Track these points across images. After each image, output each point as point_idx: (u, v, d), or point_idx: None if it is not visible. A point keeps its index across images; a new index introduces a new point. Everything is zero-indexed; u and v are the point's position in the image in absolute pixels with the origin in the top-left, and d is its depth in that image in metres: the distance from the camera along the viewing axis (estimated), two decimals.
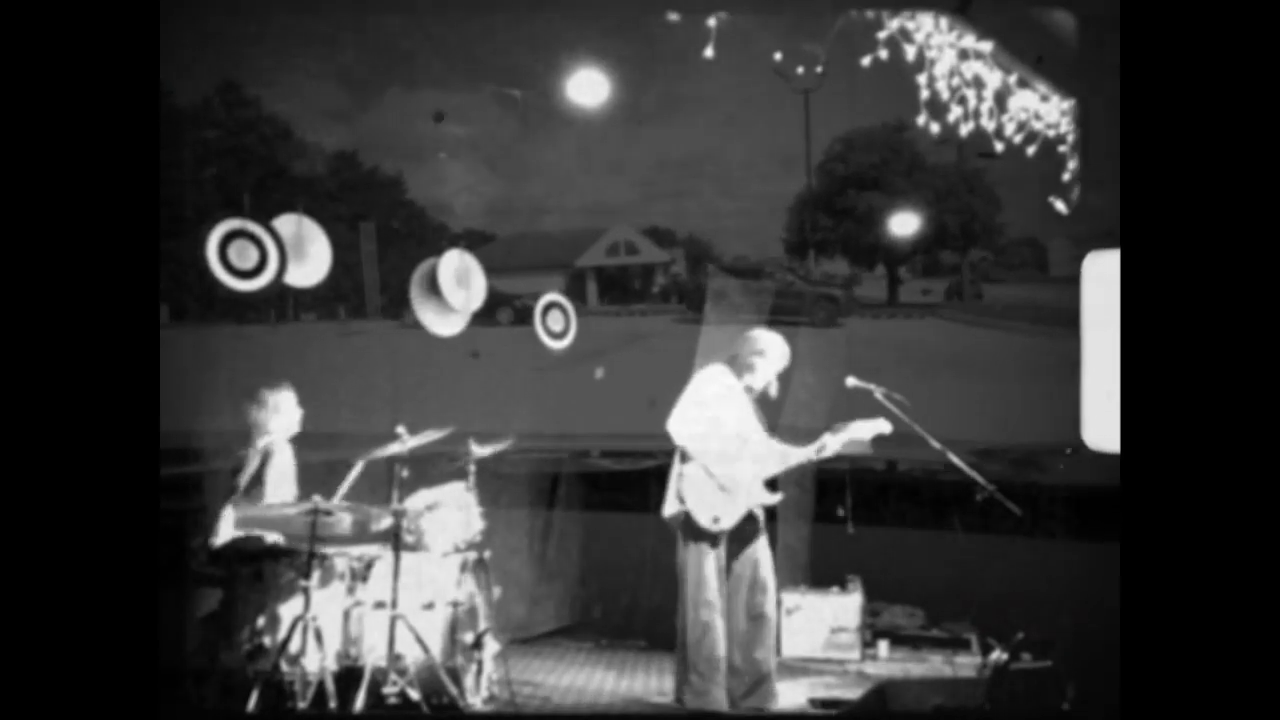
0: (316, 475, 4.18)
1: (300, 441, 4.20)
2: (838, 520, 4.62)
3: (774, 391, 4.15)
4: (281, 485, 4.07)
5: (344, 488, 4.06)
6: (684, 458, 3.96)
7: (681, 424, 3.94)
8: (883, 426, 3.96)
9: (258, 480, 4.03)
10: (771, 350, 4.11)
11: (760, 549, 4.08)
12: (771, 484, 4.06)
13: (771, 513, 4.18)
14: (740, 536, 4.02)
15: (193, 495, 4.24)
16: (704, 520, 3.89)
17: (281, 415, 4.14)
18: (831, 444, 4.00)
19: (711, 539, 3.93)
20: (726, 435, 3.96)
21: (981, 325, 14.21)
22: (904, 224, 14.49)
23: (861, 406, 4.11)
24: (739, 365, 4.09)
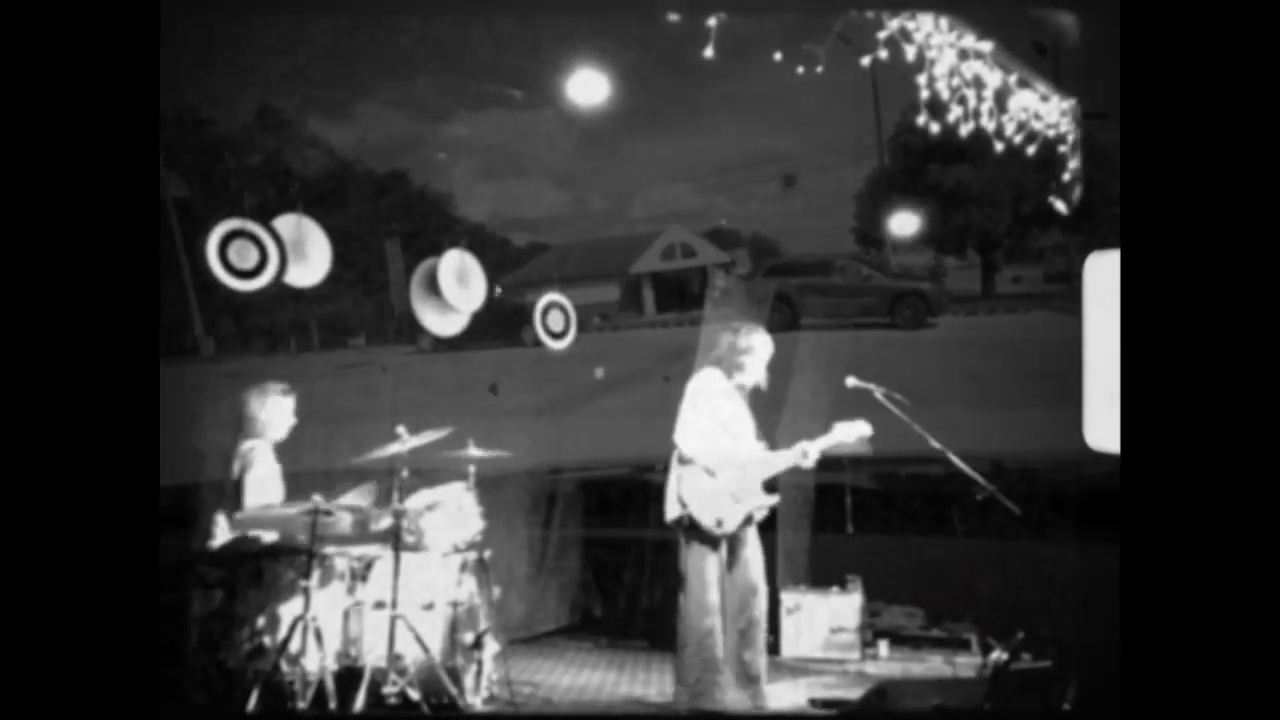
0: (315, 480, 4.19)
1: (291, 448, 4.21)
2: (838, 523, 4.63)
3: (764, 385, 4.13)
4: (266, 488, 4.06)
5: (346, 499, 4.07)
6: (682, 461, 3.96)
7: (689, 435, 3.93)
8: (864, 430, 3.95)
9: (237, 482, 4.03)
10: (759, 346, 4.08)
11: (751, 551, 4.08)
12: (769, 487, 4.06)
13: (771, 514, 4.18)
14: (732, 539, 4.02)
15: (192, 495, 4.24)
16: (707, 523, 3.89)
17: (275, 416, 4.14)
18: (812, 450, 3.98)
19: (713, 542, 3.93)
20: (727, 438, 3.96)
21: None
22: (1001, 199, 12.03)
23: (861, 407, 4.11)
24: (728, 365, 4.06)
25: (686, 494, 3.91)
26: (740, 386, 4.08)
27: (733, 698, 3.99)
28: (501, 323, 11.42)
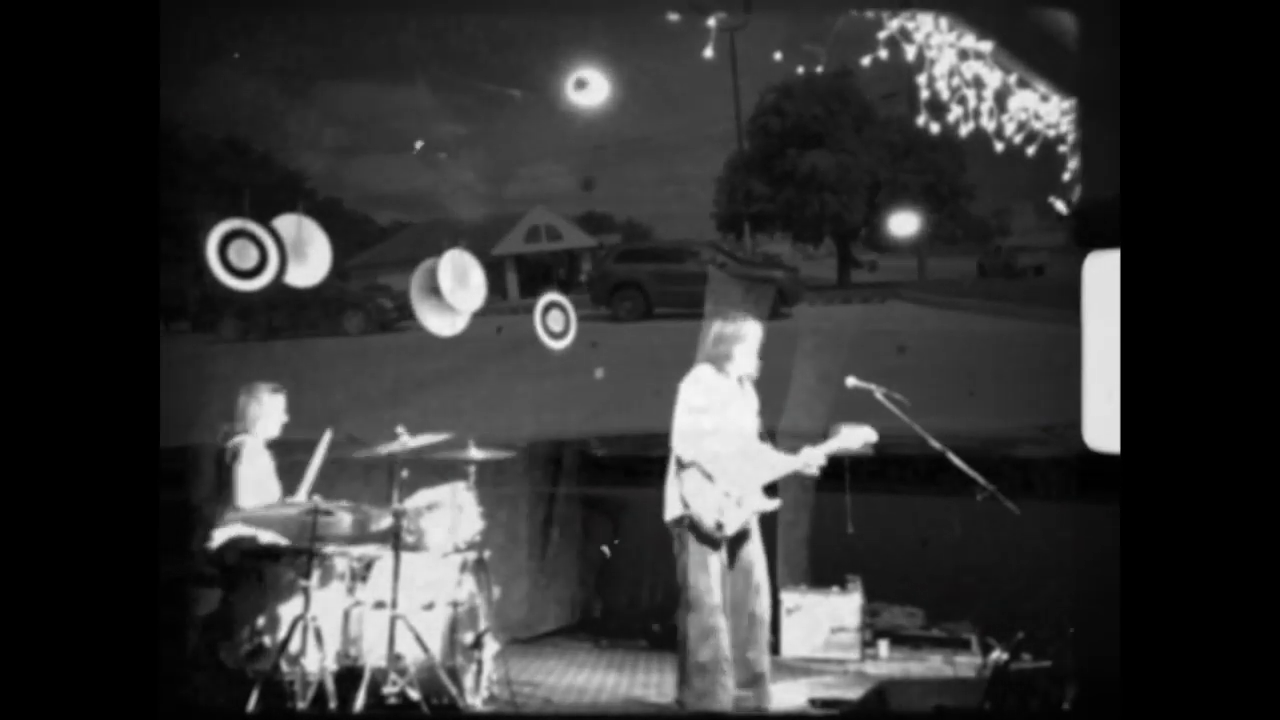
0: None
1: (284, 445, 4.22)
2: (839, 512, 4.61)
3: (754, 374, 4.07)
4: (264, 484, 4.06)
5: (309, 477, 4.06)
6: (681, 462, 3.95)
7: (687, 438, 3.91)
8: (869, 435, 3.94)
9: (229, 481, 4.03)
10: (748, 334, 4.03)
11: (754, 549, 4.07)
12: (770, 489, 4.05)
13: (771, 513, 4.18)
14: (735, 538, 4.02)
15: (191, 494, 4.24)
16: (708, 524, 3.88)
17: (266, 414, 4.15)
18: (816, 457, 3.98)
19: (714, 543, 3.92)
20: (725, 439, 3.94)
21: (953, 307, 11.57)
22: (857, 187, 11.88)
23: (862, 407, 4.10)
24: (719, 359, 4.02)
25: (689, 494, 3.90)
26: (739, 379, 4.05)
27: (736, 697, 3.99)
28: (322, 309, 10.85)
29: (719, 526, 3.87)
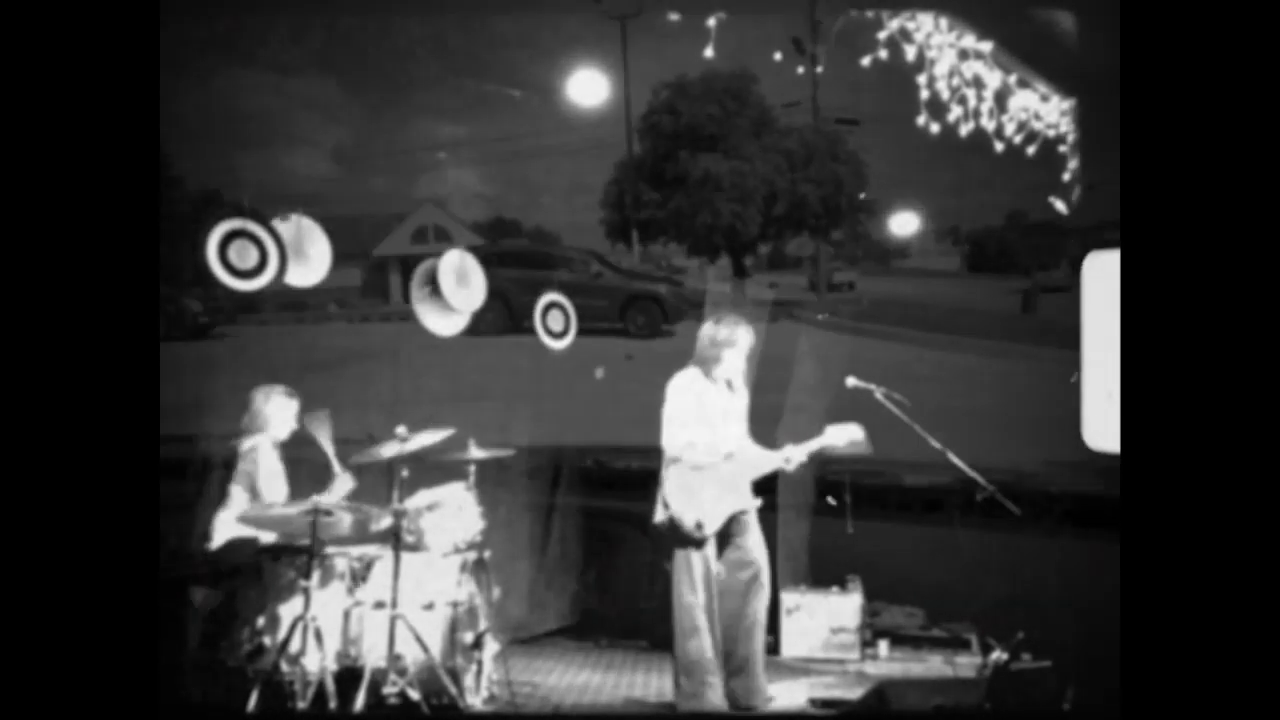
0: (317, 475, 4.19)
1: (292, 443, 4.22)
2: (838, 516, 4.62)
3: (740, 379, 4.09)
4: (267, 487, 4.07)
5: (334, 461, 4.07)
6: (667, 463, 3.96)
7: (672, 434, 3.93)
8: (855, 433, 3.94)
9: (242, 483, 4.03)
10: (739, 339, 4.04)
11: (755, 546, 4.07)
12: (757, 488, 4.05)
13: (771, 513, 4.18)
14: (734, 538, 4.02)
15: (192, 494, 4.25)
16: (688, 525, 3.88)
17: (280, 417, 4.16)
18: (796, 454, 3.99)
19: (697, 543, 3.92)
20: (708, 439, 3.95)
21: (847, 330, 10.69)
22: (752, 196, 10.85)
23: (861, 407, 4.10)
24: (708, 362, 4.03)
25: (669, 494, 3.91)
26: (728, 383, 4.05)
27: (727, 695, 3.99)
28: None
29: (699, 526, 3.88)
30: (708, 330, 4.07)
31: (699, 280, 12.07)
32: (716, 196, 10.78)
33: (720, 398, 4.03)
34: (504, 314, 8.78)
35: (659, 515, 3.96)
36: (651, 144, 11.43)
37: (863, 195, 11.54)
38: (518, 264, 9.71)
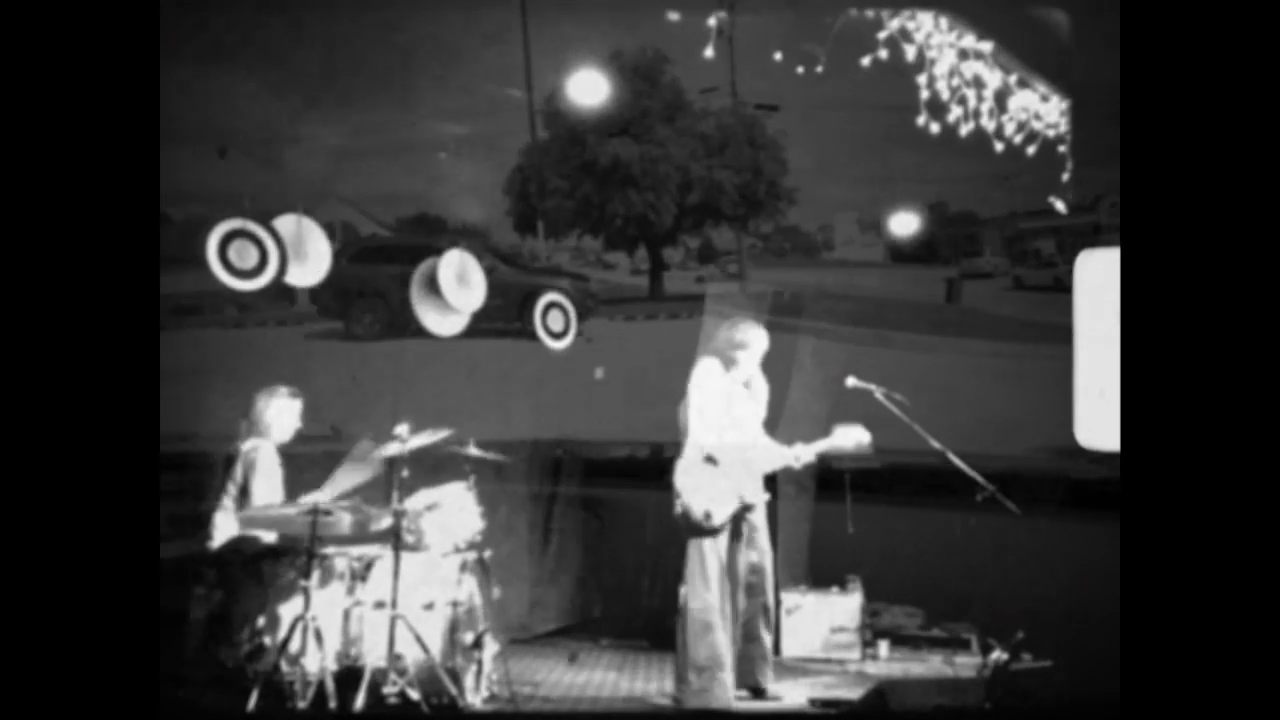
0: (316, 477, 4.19)
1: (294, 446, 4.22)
2: (838, 512, 4.62)
3: (756, 383, 4.13)
4: (267, 488, 4.06)
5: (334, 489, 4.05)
6: (684, 452, 3.98)
7: (695, 422, 3.95)
8: (862, 436, 3.97)
9: (243, 484, 4.03)
10: (753, 342, 4.08)
11: (763, 541, 4.09)
12: (767, 480, 4.08)
13: (772, 512, 4.19)
14: (741, 533, 4.04)
15: (191, 494, 4.24)
16: (697, 515, 3.91)
17: (283, 418, 4.15)
18: (805, 454, 4.03)
19: (709, 534, 3.94)
20: (724, 431, 3.98)
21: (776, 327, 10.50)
22: (665, 183, 10.10)
23: (861, 407, 4.11)
24: (725, 359, 4.07)
25: (681, 484, 3.94)
26: (743, 382, 4.09)
27: (734, 694, 4.00)
28: None
29: (707, 516, 3.91)
30: (723, 332, 4.11)
31: (622, 278, 11.53)
32: (627, 184, 10.07)
33: (738, 392, 4.07)
34: (384, 314, 8.21)
35: (677, 507, 3.99)
36: (556, 129, 10.68)
37: (781, 182, 10.72)
38: (394, 259, 8.50)
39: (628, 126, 10.16)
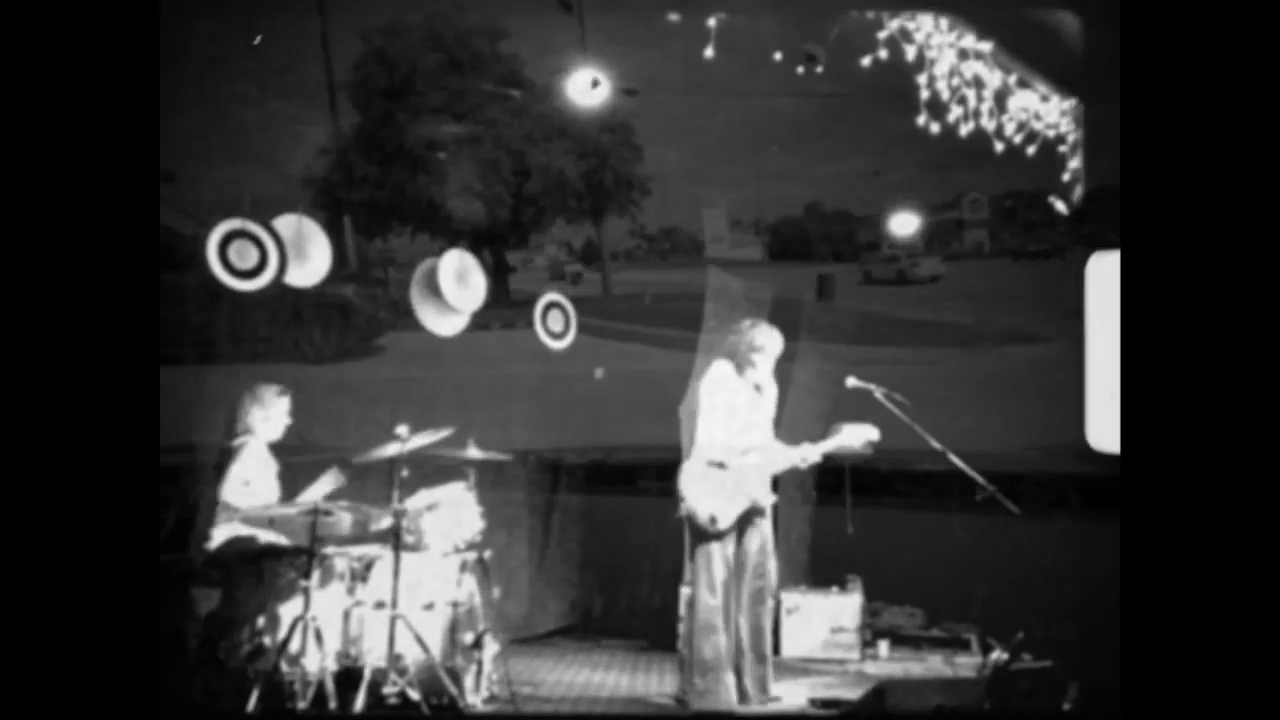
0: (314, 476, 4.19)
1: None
2: (838, 513, 4.62)
3: (769, 386, 4.11)
4: (255, 485, 4.05)
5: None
6: (691, 455, 3.98)
7: (707, 427, 3.94)
8: (871, 434, 3.95)
9: (224, 474, 4.02)
10: (769, 344, 4.06)
11: (767, 541, 4.08)
12: (772, 483, 4.07)
13: (771, 513, 4.19)
14: (745, 535, 4.03)
15: (190, 494, 4.24)
16: (702, 519, 3.90)
17: (270, 416, 4.14)
18: (812, 454, 4.02)
19: (713, 538, 3.93)
20: (734, 434, 3.96)
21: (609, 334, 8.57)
22: (495, 169, 8.54)
23: (860, 407, 4.10)
24: (740, 361, 4.05)
25: (686, 487, 3.92)
26: (755, 385, 4.07)
27: (740, 691, 4.00)
28: None
29: (713, 520, 3.89)
30: (737, 335, 4.08)
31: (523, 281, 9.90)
32: (446, 169, 8.60)
33: (750, 395, 4.05)
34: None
35: (682, 509, 3.98)
36: (363, 104, 9.03)
37: (632, 170, 9.25)
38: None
39: (446, 100, 8.76)
